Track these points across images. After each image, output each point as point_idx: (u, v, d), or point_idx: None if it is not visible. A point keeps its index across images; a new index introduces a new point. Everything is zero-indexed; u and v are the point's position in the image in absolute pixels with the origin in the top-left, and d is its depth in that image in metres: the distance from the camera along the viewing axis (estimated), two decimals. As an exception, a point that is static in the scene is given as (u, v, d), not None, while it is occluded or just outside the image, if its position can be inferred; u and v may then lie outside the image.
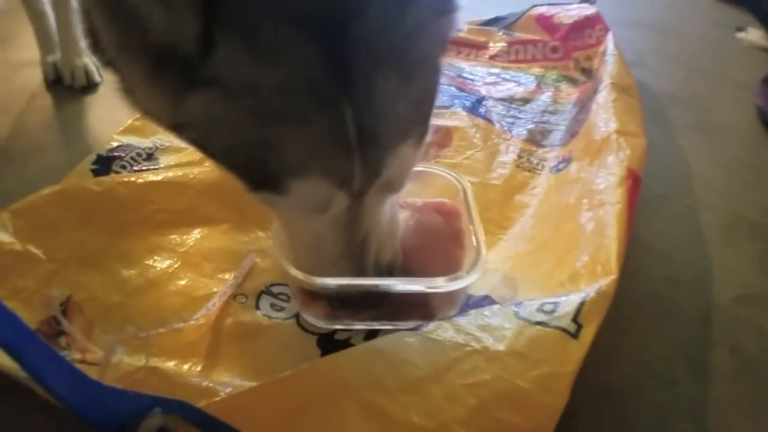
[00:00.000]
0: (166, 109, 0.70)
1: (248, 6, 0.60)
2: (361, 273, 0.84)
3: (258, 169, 0.71)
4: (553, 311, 0.82)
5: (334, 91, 0.63)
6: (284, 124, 0.65)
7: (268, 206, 0.80)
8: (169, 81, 0.66)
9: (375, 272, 0.85)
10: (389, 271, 0.87)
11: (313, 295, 0.91)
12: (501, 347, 0.77)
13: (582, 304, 0.82)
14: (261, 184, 0.73)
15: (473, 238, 0.95)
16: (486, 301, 0.96)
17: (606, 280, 0.86)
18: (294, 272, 0.86)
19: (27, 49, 1.87)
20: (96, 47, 0.81)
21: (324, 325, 0.94)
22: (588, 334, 0.79)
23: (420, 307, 0.92)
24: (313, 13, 0.61)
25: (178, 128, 0.73)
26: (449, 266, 0.93)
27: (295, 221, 0.82)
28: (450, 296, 0.92)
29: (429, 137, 0.78)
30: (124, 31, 0.67)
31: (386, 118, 0.67)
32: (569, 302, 0.83)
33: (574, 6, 1.86)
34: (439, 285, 0.88)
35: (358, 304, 0.90)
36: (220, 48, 0.62)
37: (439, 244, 0.96)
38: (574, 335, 0.78)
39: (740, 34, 2.22)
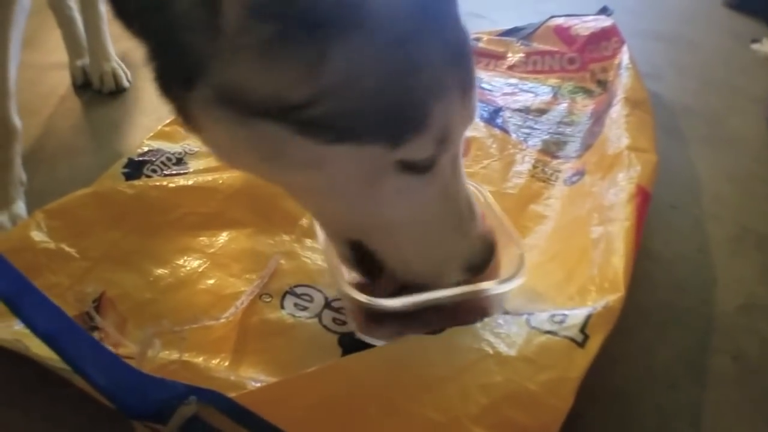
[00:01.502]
0: (301, 78, 0.67)
1: None
2: (475, 238, 0.88)
3: (402, 109, 0.71)
4: (562, 322, 0.86)
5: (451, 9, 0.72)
6: (421, 42, 0.68)
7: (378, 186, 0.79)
8: (303, 40, 0.65)
9: (487, 239, 0.89)
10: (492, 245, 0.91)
11: (379, 318, 0.93)
12: (512, 352, 0.81)
13: (589, 316, 0.86)
14: (405, 129, 0.72)
15: (511, 237, 0.99)
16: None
17: (613, 296, 0.90)
18: (360, 297, 0.89)
19: (55, 52, 1.91)
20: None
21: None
22: (594, 343, 0.83)
23: (477, 311, 0.94)
24: None
25: (313, 102, 0.68)
26: (496, 263, 0.97)
27: (411, 195, 0.80)
28: (501, 297, 0.96)
29: None
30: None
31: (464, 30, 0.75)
32: (578, 315, 0.87)
33: (591, 18, 1.88)
34: (498, 288, 0.92)
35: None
36: None
37: None
38: (581, 344, 0.83)
39: (755, 46, 2.21)
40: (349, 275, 0.97)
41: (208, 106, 0.72)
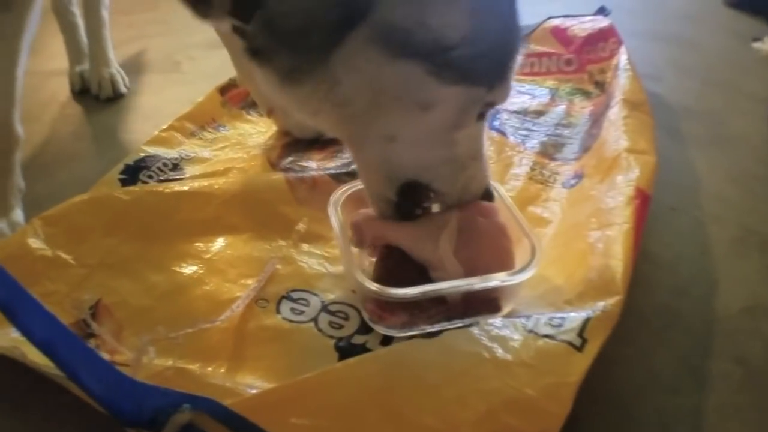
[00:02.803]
0: (457, 25, 0.82)
1: None
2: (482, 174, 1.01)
3: (503, 58, 0.90)
4: (560, 325, 0.86)
5: None
6: (514, 12, 0.89)
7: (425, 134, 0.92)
8: None
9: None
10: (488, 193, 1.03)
11: (390, 307, 0.95)
12: (510, 357, 0.81)
13: (587, 320, 0.86)
14: (499, 74, 0.91)
15: (523, 230, 1.02)
16: None
17: (612, 300, 0.90)
18: (372, 286, 0.92)
19: (56, 58, 1.92)
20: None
21: (401, 333, 0.97)
22: (592, 348, 0.83)
23: (488, 302, 0.96)
24: None
25: (459, 45, 0.82)
26: (505, 259, 0.98)
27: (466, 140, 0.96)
28: (513, 289, 0.97)
29: None
30: None
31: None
32: (576, 318, 0.87)
33: (589, 18, 1.87)
34: (509, 279, 0.93)
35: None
36: None
37: (490, 240, 0.99)
38: (579, 348, 0.82)
39: (756, 44, 2.21)
40: (361, 265, 1.02)
41: (366, 46, 0.81)
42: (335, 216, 1.05)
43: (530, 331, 0.85)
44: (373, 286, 0.91)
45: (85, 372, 0.72)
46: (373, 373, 0.82)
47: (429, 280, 0.97)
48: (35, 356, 0.82)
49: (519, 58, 0.92)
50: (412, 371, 0.81)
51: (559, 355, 0.82)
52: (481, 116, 0.95)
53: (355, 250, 1.04)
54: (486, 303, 0.95)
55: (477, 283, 0.93)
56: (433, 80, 0.83)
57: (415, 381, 0.80)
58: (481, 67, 0.86)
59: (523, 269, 0.94)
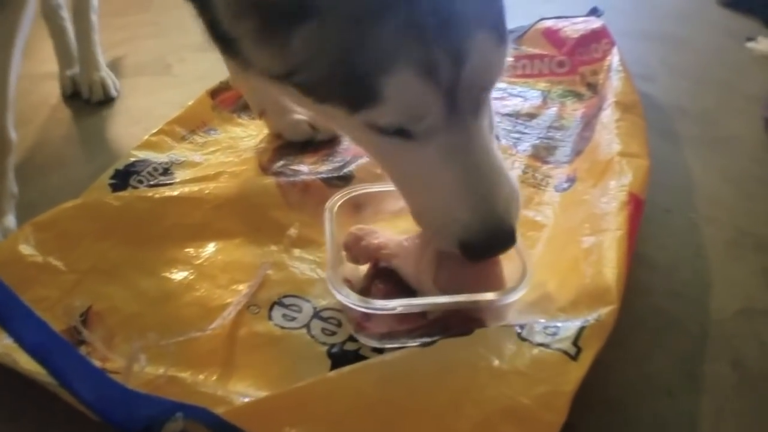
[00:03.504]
0: (277, 57, 0.82)
1: None
2: (492, 218, 0.84)
3: (357, 82, 0.78)
4: (554, 334, 0.85)
5: None
6: (371, 23, 0.75)
7: (372, 144, 0.88)
8: (276, 28, 0.79)
9: (507, 218, 0.86)
10: (513, 231, 0.88)
11: (369, 317, 0.94)
12: (505, 366, 0.80)
13: (582, 329, 0.85)
14: (360, 99, 0.80)
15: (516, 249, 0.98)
16: None
17: (606, 309, 0.89)
18: (353, 297, 0.91)
19: (47, 62, 1.91)
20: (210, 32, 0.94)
21: (380, 344, 0.95)
22: (587, 357, 0.82)
23: (472, 321, 0.93)
24: None
25: (288, 75, 0.84)
26: (491, 280, 0.96)
27: (406, 158, 0.86)
28: (500, 309, 0.95)
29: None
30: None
31: (458, 6, 0.76)
32: (570, 327, 0.86)
33: (581, 19, 1.86)
34: (497, 298, 0.91)
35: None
36: None
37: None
38: (574, 357, 0.81)
39: (750, 44, 2.20)
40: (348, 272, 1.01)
41: None
42: (330, 223, 1.04)
43: (525, 340, 0.84)
44: (353, 297, 0.91)
45: (78, 380, 0.73)
46: (368, 383, 0.81)
47: (414, 293, 0.97)
48: (27, 363, 0.82)
49: (412, 82, 0.77)
50: (406, 381, 0.80)
51: (554, 363, 0.81)
52: (408, 134, 0.83)
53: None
54: (469, 322, 0.93)
55: (459, 301, 0.91)
56: (309, 98, 0.87)
57: (409, 390, 0.79)
58: (327, 90, 0.83)
59: (511, 290, 0.92)
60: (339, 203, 1.08)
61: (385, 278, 1.00)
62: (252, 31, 0.81)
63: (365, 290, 0.99)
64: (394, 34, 0.74)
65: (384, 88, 0.76)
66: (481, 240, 0.85)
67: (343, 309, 1.00)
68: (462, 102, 0.79)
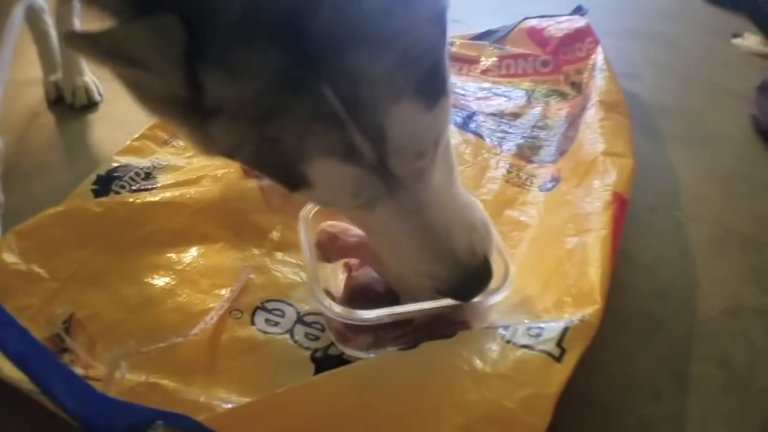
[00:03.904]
0: (207, 145, 0.79)
1: (218, 45, 0.67)
2: (459, 264, 0.82)
3: (282, 169, 0.76)
4: (538, 335, 0.84)
5: (305, 78, 0.67)
6: (278, 119, 0.70)
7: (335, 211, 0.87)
8: (194, 121, 0.75)
9: (475, 259, 0.84)
10: (486, 261, 0.86)
11: (355, 328, 0.93)
12: (488, 369, 0.80)
13: (566, 329, 0.84)
14: (293, 183, 0.77)
15: (497, 249, 0.97)
16: None
17: (590, 309, 0.88)
18: (335, 308, 0.89)
19: (32, 68, 1.89)
20: None
21: (367, 355, 0.94)
22: (571, 358, 0.81)
23: (456, 324, 0.93)
24: (270, 26, 0.66)
25: (227, 156, 0.80)
26: None
27: (367, 225, 0.86)
28: (484, 311, 0.94)
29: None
30: (144, 93, 0.75)
31: (366, 85, 0.69)
32: (554, 327, 0.85)
33: (565, 18, 1.85)
34: (478, 301, 0.89)
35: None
36: (206, 84, 0.68)
37: None
38: (558, 359, 0.81)
39: (736, 41, 2.20)
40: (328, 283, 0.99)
41: None
42: (305, 233, 1.02)
43: (508, 342, 0.84)
44: (337, 308, 0.89)
45: (59, 388, 0.72)
46: (349, 388, 0.81)
47: (397, 300, 0.95)
48: (10, 371, 0.82)
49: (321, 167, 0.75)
50: (387, 385, 0.80)
51: (538, 365, 0.80)
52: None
53: (328, 265, 1.03)
54: (455, 325, 0.92)
55: (444, 305, 0.89)
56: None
57: (391, 395, 0.79)
58: (261, 172, 0.83)
59: (494, 291, 0.91)
60: (314, 211, 1.05)
61: (364, 281, 0.99)
62: (178, 121, 0.78)
63: (347, 300, 0.98)
64: (301, 125, 0.70)
65: (308, 175, 0.74)
66: (454, 287, 0.84)
67: (326, 321, 0.98)
68: (398, 171, 0.75)
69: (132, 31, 0.67)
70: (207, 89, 0.69)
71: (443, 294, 0.85)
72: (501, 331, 0.86)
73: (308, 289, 0.95)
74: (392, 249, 0.85)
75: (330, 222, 1.03)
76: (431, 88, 0.74)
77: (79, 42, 0.67)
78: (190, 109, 0.72)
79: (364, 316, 0.88)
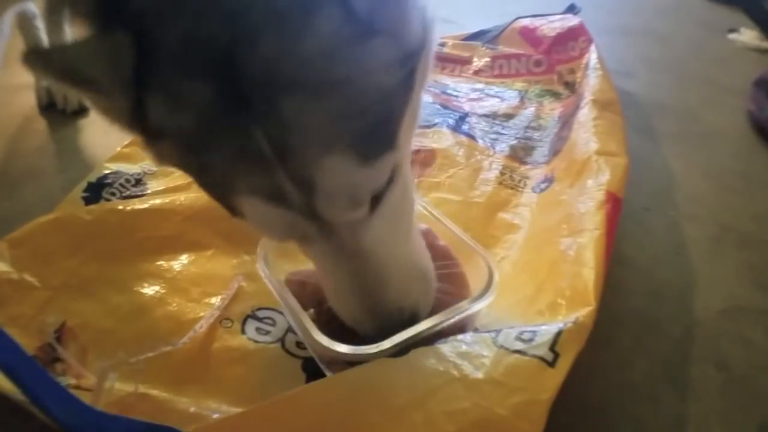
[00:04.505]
0: (159, 159, 0.78)
1: (161, 71, 0.66)
2: (382, 317, 0.82)
3: (219, 196, 0.77)
4: (531, 339, 0.83)
5: (238, 117, 0.66)
6: (210, 152, 0.70)
7: None
8: (146, 138, 0.74)
9: (399, 316, 0.84)
10: (412, 317, 0.85)
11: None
12: (480, 375, 0.78)
13: (559, 333, 0.83)
14: (230, 211, 0.78)
15: (476, 250, 0.97)
16: None
17: (584, 311, 0.87)
18: (342, 348, 0.84)
19: (23, 73, 1.87)
20: None
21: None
22: (565, 362, 0.80)
23: (455, 332, 0.90)
24: (207, 60, 0.65)
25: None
26: (458, 281, 0.95)
27: (308, 256, 0.85)
28: (473, 316, 0.93)
29: (400, 153, 0.76)
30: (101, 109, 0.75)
31: (297, 132, 0.67)
32: (547, 331, 0.83)
33: (558, 17, 1.85)
34: (468, 308, 0.89)
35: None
36: (150, 110, 0.68)
37: (437, 266, 0.92)
38: (551, 364, 0.79)
39: (732, 35, 2.20)
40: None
41: None
42: (265, 272, 0.98)
43: (501, 347, 0.82)
44: (343, 348, 0.84)
45: (49, 400, 0.70)
46: (339, 397, 0.79)
47: None
48: (2, 381, 0.78)
49: (248, 203, 0.74)
50: (378, 394, 0.78)
51: (531, 371, 0.79)
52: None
53: None
54: (452, 332, 0.89)
55: (441, 320, 0.87)
56: None
57: (382, 404, 0.77)
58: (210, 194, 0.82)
59: (478, 297, 0.90)
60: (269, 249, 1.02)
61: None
62: (134, 135, 0.76)
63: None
64: (229, 161, 0.70)
65: (238, 207, 0.75)
66: (368, 328, 0.84)
67: (323, 360, 0.94)
68: (329, 217, 0.74)
69: (83, 50, 0.67)
70: (150, 113, 0.68)
71: (360, 330, 0.85)
72: (493, 335, 0.85)
73: (303, 332, 0.91)
74: (327, 284, 0.86)
75: (291, 271, 1.00)
76: (373, 141, 0.72)
77: (33, 59, 0.67)
78: (139, 128, 0.71)
79: (371, 351, 0.83)
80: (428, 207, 1.06)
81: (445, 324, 0.87)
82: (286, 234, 0.78)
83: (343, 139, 0.69)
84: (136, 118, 0.69)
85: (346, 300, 0.83)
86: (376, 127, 0.71)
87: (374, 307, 0.82)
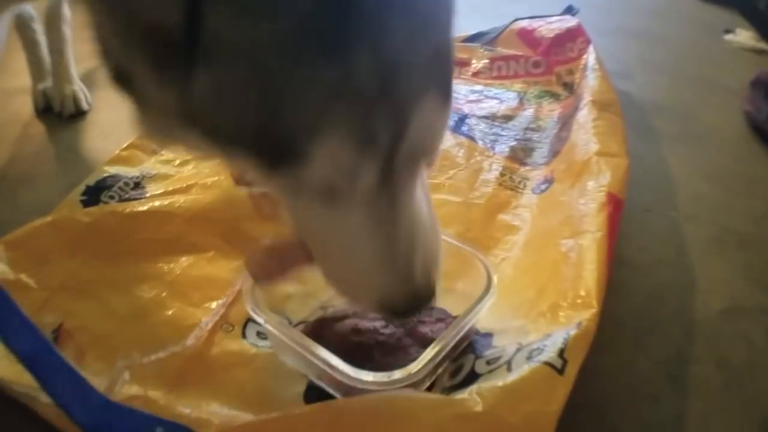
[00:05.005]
0: (175, 101, 0.65)
1: None
2: (412, 284, 0.75)
3: (273, 137, 0.63)
4: (542, 351, 0.82)
5: (342, 36, 0.57)
6: (296, 79, 0.59)
7: (289, 205, 0.74)
8: (171, 67, 0.62)
9: (426, 283, 0.77)
10: (433, 292, 0.79)
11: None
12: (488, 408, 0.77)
13: (567, 339, 0.82)
14: (278, 159, 0.65)
15: (475, 255, 0.96)
16: (488, 339, 0.95)
17: (587, 314, 0.87)
18: (366, 377, 0.81)
19: (19, 76, 1.88)
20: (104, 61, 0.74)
21: None
22: (572, 369, 0.80)
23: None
24: None
25: (190, 122, 0.66)
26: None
27: (326, 224, 0.73)
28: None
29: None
30: (120, 21, 0.64)
31: (405, 63, 0.61)
32: (555, 341, 0.83)
33: (556, 18, 1.85)
34: (466, 319, 0.87)
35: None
36: (211, 17, 0.57)
37: None
38: (561, 371, 0.79)
39: (728, 36, 2.21)
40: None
41: None
42: (254, 306, 0.93)
43: (513, 370, 0.82)
44: (369, 377, 0.80)
45: (62, 388, 0.72)
46: (344, 425, 0.79)
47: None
48: (5, 370, 0.82)
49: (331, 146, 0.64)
50: (389, 414, 0.78)
51: (542, 379, 0.78)
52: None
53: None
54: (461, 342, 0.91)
55: (453, 336, 0.85)
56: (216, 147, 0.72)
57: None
58: (240, 142, 0.67)
59: (477, 301, 0.89)
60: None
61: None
62: (146, 66, 0.65)
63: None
64: (325, 94, 0.60)
65: (308, 150, 0.62)
66: (398, 305, 0.77)
67: (340, 390, 0.89)
68: (398, 169, 0.67)
69: None
70: (210, 23, 0.57)
71: (385, 310, 0.79)
72: (505, 365, 0.84)
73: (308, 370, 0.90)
74: (352, 257, 0.76)
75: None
76: (450, 86, 0.68)
77: None
78: (171, 48, 0.60)
79: (404, 376, 0.81)
80: None
81: (458, 337, 0.86)
82: (347, 183, 0.67)
83: (436, 77, 0.65)
84: (175, 31, 0.58)
85: (377, 273, 0.74)
86: (450, 71, 0.68)
87: (407, 278, 0.75)
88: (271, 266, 0.87)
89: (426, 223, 0.77)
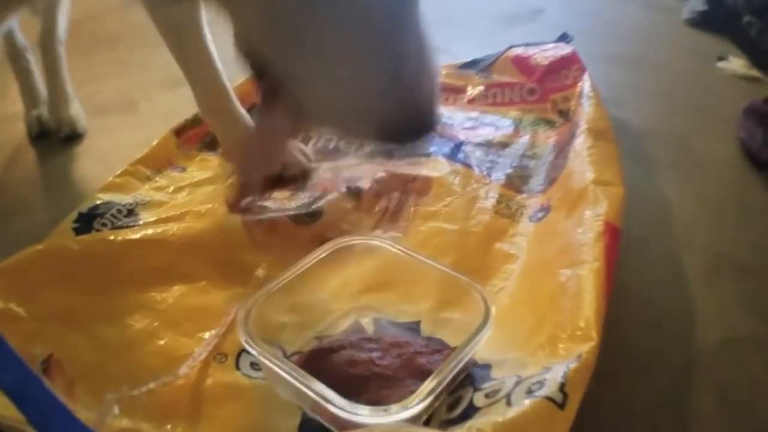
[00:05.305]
0: None
1: None
2: (413, 102, 0.73)
3: None
4: (542, 385, 0.81)
5: None
6: None
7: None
8: None
9: (429, 103, 0.75)
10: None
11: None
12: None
13: (567, 373, 0.81)
14: None
15: (472, 285, 0.96)
16: (486, 370, 0.94)
17: (586, 346, 0.86)
18: (362, 411, 0.79)
19: (13, 102, 1.88)
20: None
21: None
22: (573, 404, 0.78)
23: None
24: None
25: None
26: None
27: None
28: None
29: None
30: None
31: None
32: (556, 374, 0.82)
33: (551, 45, 1.84)
34: (464, 352, 0.87)
35: None
36: None
37: None
38: (561, 406, 0.77)
39: (721, 64, 2.21)
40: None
41: None
42: (247, 337, 0.90)
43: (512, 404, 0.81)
44: (364, 410, 0.78)
45: (50, 423, 0.67)
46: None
47: None
48: None
49: None
50: None
51: (542, 414, 0.77)
52: None
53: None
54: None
55: (451, 369, 0.84)
56: None
57: None
58: None
59: (476, 332, 0.89)
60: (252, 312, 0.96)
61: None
62: None
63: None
64: None
65: None
66: (400, 130, 0.74)
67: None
68: None
69: None
70: None
71: (385, 137, 0.75)
72: (504, 399, 0.83)
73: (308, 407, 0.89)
74: (348, 74, 0.71)
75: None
76: None
77: None
78: None
79: (394, 410, 0.79)
80: (411, 251, 1.05)
81: (456, 369, 0.85)
82: None
83: None
84: None
85: (381, 91, 0.71)
86: None
87: (413, 97, 0.72)
88: (256, 154, 0.87)
89: (431, 45, 0.74)
